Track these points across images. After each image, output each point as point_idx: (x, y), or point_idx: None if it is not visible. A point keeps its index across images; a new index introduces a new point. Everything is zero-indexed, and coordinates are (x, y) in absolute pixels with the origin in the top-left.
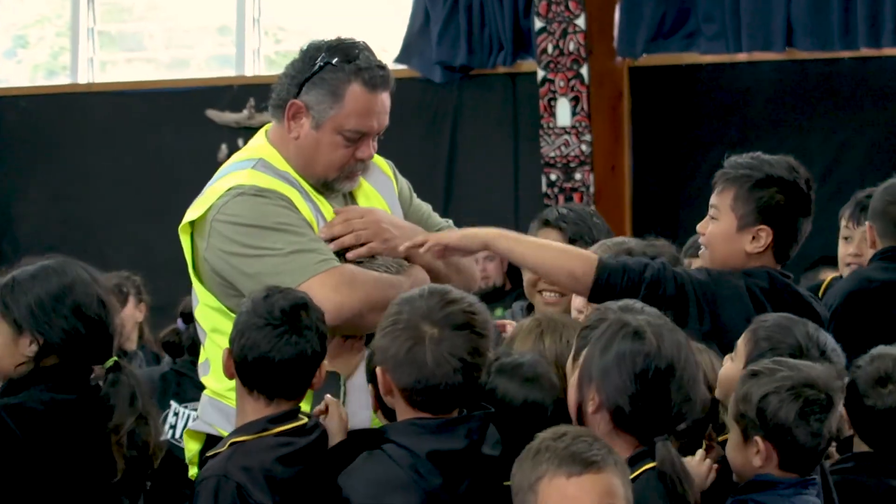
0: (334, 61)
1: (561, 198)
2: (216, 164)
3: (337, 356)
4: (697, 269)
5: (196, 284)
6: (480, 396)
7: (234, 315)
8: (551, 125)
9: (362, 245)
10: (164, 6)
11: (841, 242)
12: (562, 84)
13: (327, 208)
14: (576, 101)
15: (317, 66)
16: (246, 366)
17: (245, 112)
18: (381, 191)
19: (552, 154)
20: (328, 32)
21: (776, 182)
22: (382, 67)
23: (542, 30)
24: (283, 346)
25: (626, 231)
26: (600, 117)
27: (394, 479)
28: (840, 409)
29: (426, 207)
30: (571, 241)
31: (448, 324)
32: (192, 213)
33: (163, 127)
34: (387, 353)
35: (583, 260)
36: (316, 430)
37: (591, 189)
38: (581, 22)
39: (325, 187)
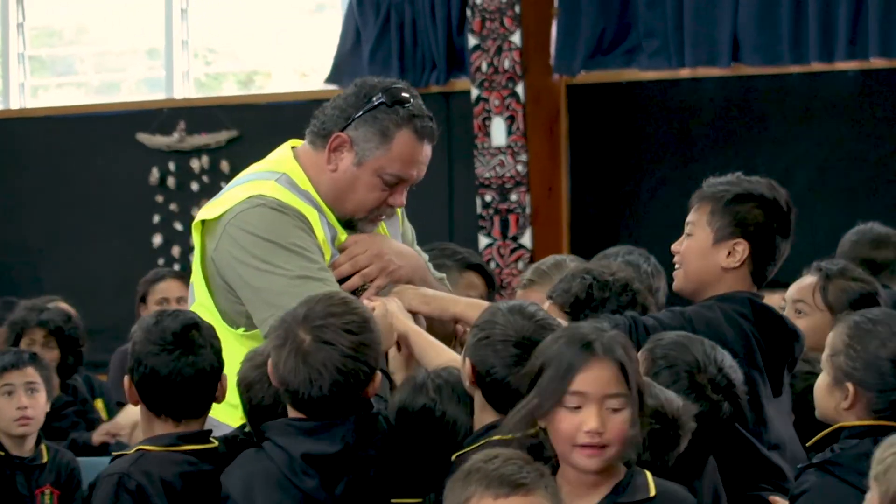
0: (389, 103)
1: (496, 219)
2: (148, 188)
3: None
4: (667, 314)
5: (197, 283)
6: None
7: (223, 321)
8: (486, 145)
9: (371, 281)
10: (93, 30)
11: None
12: (497, 103)
13: (343, 236)
14: (511, 120)
15: (371, 105)
16: (150, 392)
17: (176, 135)
18: (389, 229)
19: (487, 174)
20: (257, 54)
21: (755, 198)
22: (432, 119)
23: (477, 47)
24: (183, 367)
25: (564, 253)
26: (537, 137)
27: (270, 477)
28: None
29: (424, 258)
30: (491, 288)
31: (317, 335)
32: (207, 212)
33: (95, 151)
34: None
35: None
36: (226, 458)
37: (528, 210)
38: (516, 39)
39: (346, 225)
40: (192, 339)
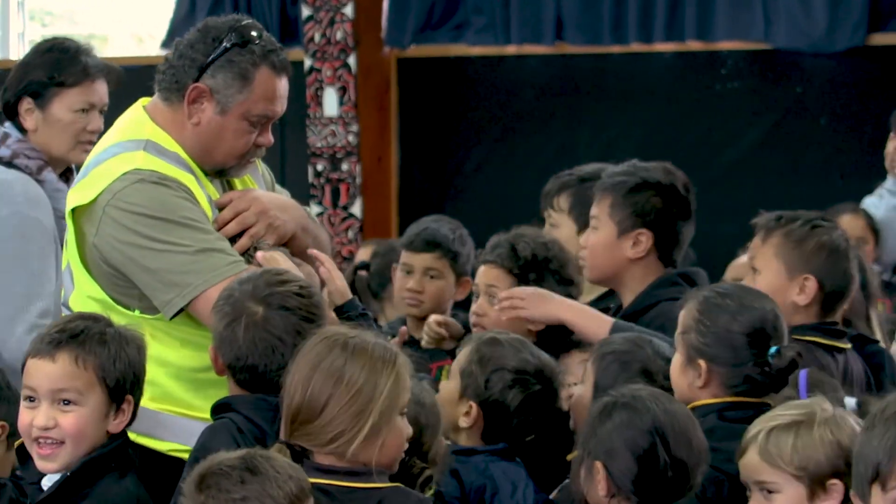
0: (241, 43)
1: (328, 188)
2: None
3: None
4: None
5: (77, 272)
6: None
7: (117, 306)
8: (318, 115)
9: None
10: None
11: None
12: (329, 73)
13: (215, 196)
14: (343, 91)
15: (223, 49)
16: None
17: None
18: (252, 175)
19: (319, 144)
20: (94, 17)
21: (652, 186)
22: (283, 49)
23: (310, 18)
24: None
25: (392, 223)
26: (368, 108)
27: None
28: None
29: (285, 195)
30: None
31: (271, 303)
32: (80, 196)
33: None
34: (215, 330)
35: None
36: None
37: (358, 180)
38: (349, 11)
39: (218, 174)
40: None
